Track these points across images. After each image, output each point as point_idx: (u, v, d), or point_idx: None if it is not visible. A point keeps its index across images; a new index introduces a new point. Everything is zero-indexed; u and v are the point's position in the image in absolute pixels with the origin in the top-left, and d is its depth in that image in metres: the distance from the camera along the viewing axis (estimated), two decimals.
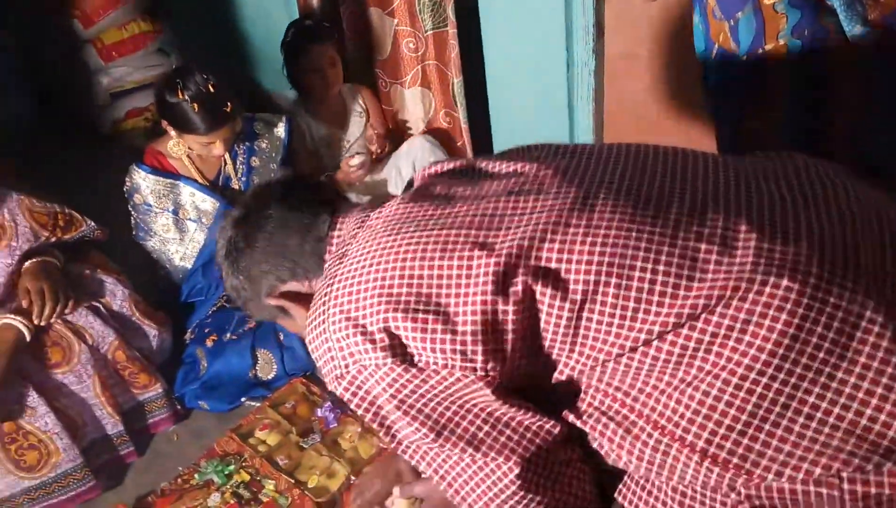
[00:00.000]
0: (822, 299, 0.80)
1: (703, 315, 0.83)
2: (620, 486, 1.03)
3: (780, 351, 0.80)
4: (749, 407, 0.82)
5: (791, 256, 0.83)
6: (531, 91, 2.05)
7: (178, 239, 2.08)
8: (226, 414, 1.88)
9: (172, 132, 1.96)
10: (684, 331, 0.84)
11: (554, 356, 0.92)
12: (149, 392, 1.85)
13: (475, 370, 0.89)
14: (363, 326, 0.92)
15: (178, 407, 1.90)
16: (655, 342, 0.85)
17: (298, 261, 1.08)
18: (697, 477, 0.88)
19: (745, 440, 0.84)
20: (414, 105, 2.38)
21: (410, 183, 1.16)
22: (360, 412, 0.98)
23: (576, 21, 1.82)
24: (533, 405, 0.97)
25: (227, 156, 2.06)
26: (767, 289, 0.81)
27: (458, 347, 0.88)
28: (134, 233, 2.10)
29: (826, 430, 0.81)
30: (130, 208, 2.07)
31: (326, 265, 1.05)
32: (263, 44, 2.78)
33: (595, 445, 0.96)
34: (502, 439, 0.95)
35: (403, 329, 0.90)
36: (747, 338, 0.81)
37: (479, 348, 0.88)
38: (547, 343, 0.91)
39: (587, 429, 0.95)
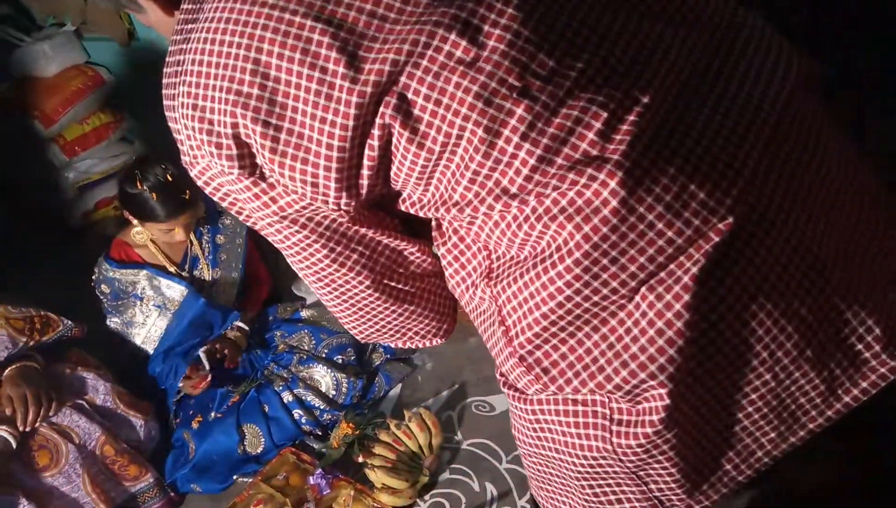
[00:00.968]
0: (640, 216, 0.71)
1: (552, 195, 0.73)
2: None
3: (594, 254, 0.71)
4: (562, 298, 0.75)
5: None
6: None
7: (142, 323, 2.11)
8: (219, 494, 1.88)
9: (134, 221, 2.01)
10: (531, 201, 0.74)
11: (408, 191, 0.83)
12: (140, 483, 1.85)
13: (327, 202, 0.80)
14: (210, 122, 0.79)
15: (172, 494, 1.90)
16: (506, 200, 0.76)
17: None
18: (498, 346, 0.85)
19: (548, 346, 0.78)
20: None
21: None
22: (215, 199, 0.88)
23: None
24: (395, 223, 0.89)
25: (192, 237, 2.11)
26: (589, 187, 0.71)
27: (310, 178, 0.78)
28: (104, 315, 2.13)
29: (610, 354, 0.76)
30: (99, 295, 2.11)
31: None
32: None
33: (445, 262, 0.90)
34: (354, 256, 0.88)
35: (253, 141, 0.78)
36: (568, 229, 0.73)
37: (332, 183, 0.78)
38: (399, 183, 0.81)
39: (443, 251, 0.88)
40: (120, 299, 2.08)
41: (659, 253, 0.71)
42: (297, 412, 1.98)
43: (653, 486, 0.83)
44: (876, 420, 0.95)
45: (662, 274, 0.72)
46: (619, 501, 0.86)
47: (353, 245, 0.87)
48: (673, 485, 0.82)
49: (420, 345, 1.05)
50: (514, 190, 0.74)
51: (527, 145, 0.72)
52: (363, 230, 0.86)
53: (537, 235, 0.75)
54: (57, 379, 1.85)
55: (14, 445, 1.68)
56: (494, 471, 1.84)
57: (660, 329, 0.73)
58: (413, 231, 0.92)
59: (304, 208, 0.82)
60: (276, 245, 0.91)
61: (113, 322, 2.11)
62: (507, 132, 0.72)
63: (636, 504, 0.86)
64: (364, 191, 0.81)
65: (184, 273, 2.12)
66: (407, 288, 0.95)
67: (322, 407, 2.00)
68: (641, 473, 0.82)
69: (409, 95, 0.74)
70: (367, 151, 0.77)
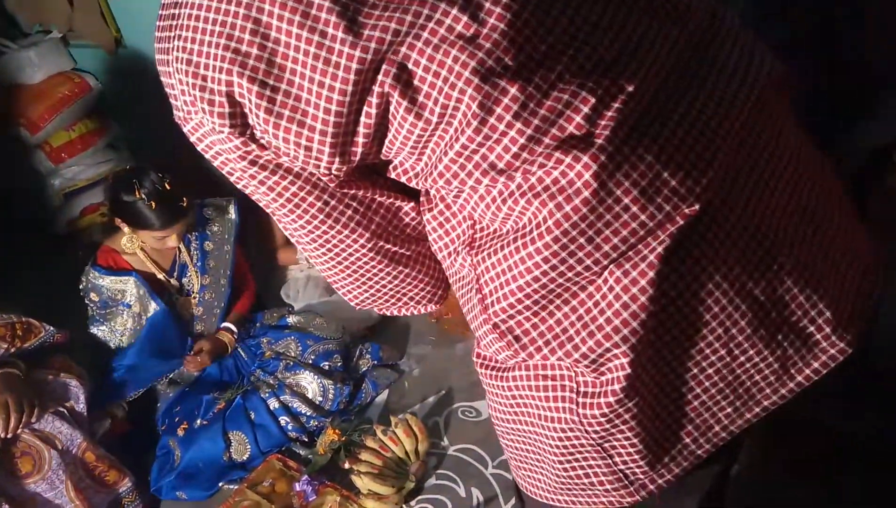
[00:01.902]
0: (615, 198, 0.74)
1: (538, 173, 0.75)
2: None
3: (572, 232, 0.75)
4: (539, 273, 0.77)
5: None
6: None
7: (131, 331, 2.11)
8: (204, 502, 1.88)
9: (126, 229, 2.00)
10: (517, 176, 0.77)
11: (400, 159, 0.85)
12: (120, 488, 1.86)
13: (318, 167, 0.82)
14: (204, 78, 0.78)
15: (150, 497, 1.91)
16: (493, 175, 0.78)
17: None
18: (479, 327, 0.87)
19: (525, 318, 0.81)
20: None
21: None
22: (206, 157, 0.88)
23: None
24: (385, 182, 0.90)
25: (180, 245, 2.10)
26: (573, 168, 0.74)
27: (304, 142, 0.79)
28: (88, 322, 2.12)
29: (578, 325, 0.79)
30: (87, 303, 2.10)
31: None
32: None
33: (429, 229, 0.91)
34: (349, 212, 0.88)
35: (248, 101, 0.78)
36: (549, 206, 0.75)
37: (326, 148, 0.79)
38: (393, 151, 0.83)
39: (429, 217, 0.90)
40: (108, 306, 2.08)
41: (632, 235, 0.75)
42: (283, 419, 1.98)
43: (617, 459, 0.86)
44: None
45: (630, 253, 0.76)
46: (587, 476, 0.89)
47: (348, 200, 0.88)
48: (636, 456, 0.85)
49: (414, 311, 1.06)
50: (501, 166, 0.77)
51: (518, 124, 0.74)
52: (353, 190, 0.87)
53: (520, 210, 0.77)
54: (40, 385, 1.84)
55: None
56: (480, 476, 1.85)
57: (625, 303, 0.76)
58: (405, 192, 0.93)
59: (293, 168, 0.83)
60: (268, 208, 0.90)
61: (99, 331, 2.10)
62: (499, 110, 0.74)
63: (603, 479, 0.88)
64: (356, 158, 0.81)
65: (172, 280, 2.12)
66: (403, 250, 0.96)
67: (308, 414, 2.00)
68: (606, 445, 0.85)
69: (409, 66, 0.75)
70: (363, 119, 0.78)
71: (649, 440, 0.84)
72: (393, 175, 0.88)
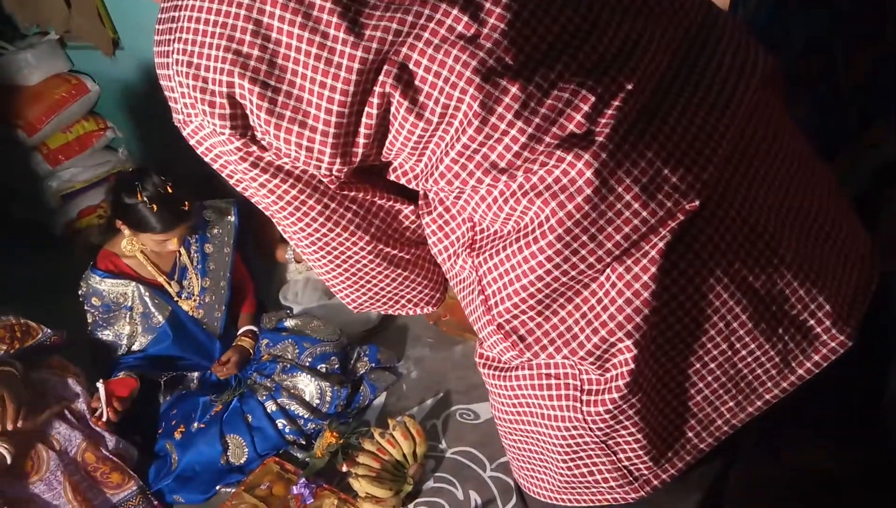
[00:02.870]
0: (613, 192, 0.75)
1: (539, 172, 0.76)
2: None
3: (574, 231, 0.75)
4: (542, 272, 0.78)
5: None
6: None
7: (131, 334, 2.11)
8: (201, 505, 1.87)
9: (127, 231, 2.00)
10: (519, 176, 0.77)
11: (400, 161, 0.85)
12: (123, 492, 1.84)
13: (319, 168, 0.82)
14: (205, 80, 0.78)
15: (156, 503, 1.89)
16: (495, 174, 0.78)
17: None
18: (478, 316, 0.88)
19: (529, 317, 0.81)
20: None
21: None
22: (206, 160, 0.88)
23: None
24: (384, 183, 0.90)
25: (180, 248, 2.10)
26: (574, 166, 0.75)
27: (305, 143, 0.79)
28: (89, 329, 2.11)
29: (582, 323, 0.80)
30: (88, 309, 2.09)
31: None
32: None
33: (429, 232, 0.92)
34: (349, 215, 0.88)
35: (249, 102, 0.78)
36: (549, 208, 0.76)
37: (328, 150, 0.79)
38: (393, 152, 0.83)
39: (428, 220, 0.90)
40: (111, 310, 2.07)
41: (634, 232, 0.76)
42: (280, 422, 1.98)
43: (621, 455, 0.86)
44: (856, 416, 0.99)
45: (632, 249, 0.77)
46: (591, 473, 0.90)
47: (348, 203, 0.88)
48: (640, 452, 0.85)
49: (412, 313, 1.06)
50: (502, 165, 0.77)
51: (519, 123, 0.75)
52: (353, 193, 0.88)
53: (521, 210, 0.78)
54: (38, 385, 1.84)
55: (9, 460, 1.67)
56: (478, 479, 1.85)
57: (628, 299, 0.77)
58: (405, 195, 0.93)
59: (294, 170, 0.84)
60: (268, 211, 0.91)
61: (103, 335, 2.09)
62: (500, 109, 0.75)
63: (607, 476, 0.89)
64: (357, 159, 0.82)
65: (173, 283, 2.12)
66: (401, 254, 0.96)
67: (306, 416, 1.99)
68: (611, 442, 0.85)
69: (410, 66, 0.75)
70: (364, 119, 0.78)
71: (653, 436, 0.85)
72: (393, 177, 0.88)
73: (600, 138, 0.75)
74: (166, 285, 2.10)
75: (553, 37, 0.76)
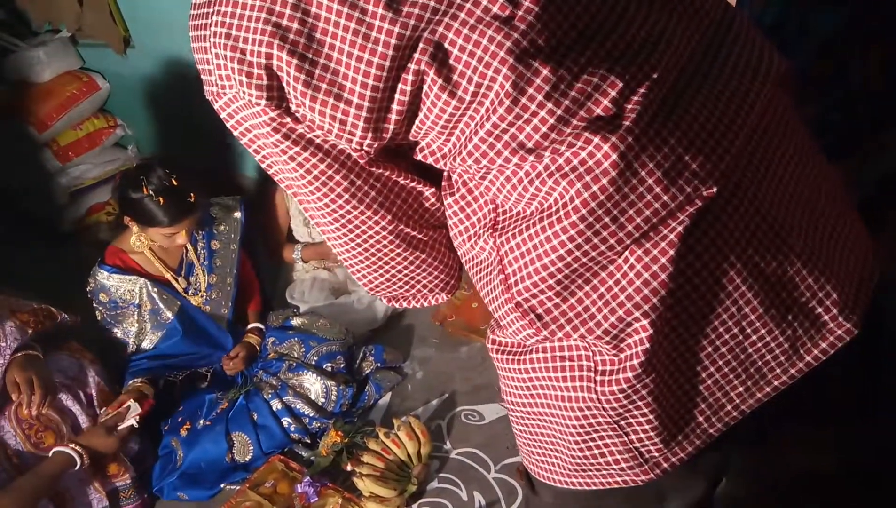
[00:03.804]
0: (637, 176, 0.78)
1: (566, 153, 0.78)
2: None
3: (598, 211, 0.78)
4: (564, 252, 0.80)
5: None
6: None
7: (141, 330, 2.11)
8: (206, 503, 1.88)
9: (135, 227, 2.00)
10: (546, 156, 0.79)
11: (428, 140, 0.86)
12: (118, 481, 1.87)
13: (351, 141, 0.83)
14: (242, 52, 0.80)
15: (146, 496, 1.91)
16: (522, 154, 0.80)
17: None
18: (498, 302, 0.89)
19: (549, 298, 0.83)
20: None
21: None
22: (234, 134, 0.90)
23: None
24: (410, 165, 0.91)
25: (187, 244, 2.11)
26: (600, 149, 0.77)
27: (340, 115, 0.80)
28: (98, 327, 2.12)
29: (600, 303, 0.82)
30: (96, 306, 2.09)
31: None
32: (213, 129, 2.84)
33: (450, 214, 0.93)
34: (372, 193, 0.90)
35: (287, 74, 0.80)
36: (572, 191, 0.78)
37: (361, 123, 0.81)
38: (423, 131, 0.84)
39: (450, 201, 0.92)
40: (119, 307, 2.07)
41: (654, 215, 0.79)
42: (285, 420, 1.98)
43: (633, 436, 0.89)
44: (859, 407, 1.00)
45: (651, 232, 0.80)
46: (603, 455, 0.92)
47: (373, 181, 0.90)
48: (651, 433, 0.87)
49: (425, 302, 1.08)
50: (530, 145, 0.80)
51: (549, 105, 0.77)
52: (379, 170, 0.89)
53: (547, 190, 0.81)
54: (56, 364, 1.88)
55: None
56: (483, 480, 1.85)
57: (646, 280, 0.80)
58: (428, 178, 0.95)
59: (325, 142, 0.85)
60: (292, 187, 0.92)
61: (112, 333, 2.10)
62: (531, 90, 0.77)
63: (619, 457, 0.91)
64: (388, 135, 0.83)
65: (180, 279, 2.12)
66: (421, 236, 0.98)
67: (311, 415, 2.00)
68: (623, 423, 0.88)
69: (445, 45, 0.77)
70: (397, 96, 0.80)
71: (664, 418, 0.87)
72: (419, 157, 0.90)
73: (626, 123, 0.78)
74: (173, 282, 2.11)
75: (583, 25, 0.79)
